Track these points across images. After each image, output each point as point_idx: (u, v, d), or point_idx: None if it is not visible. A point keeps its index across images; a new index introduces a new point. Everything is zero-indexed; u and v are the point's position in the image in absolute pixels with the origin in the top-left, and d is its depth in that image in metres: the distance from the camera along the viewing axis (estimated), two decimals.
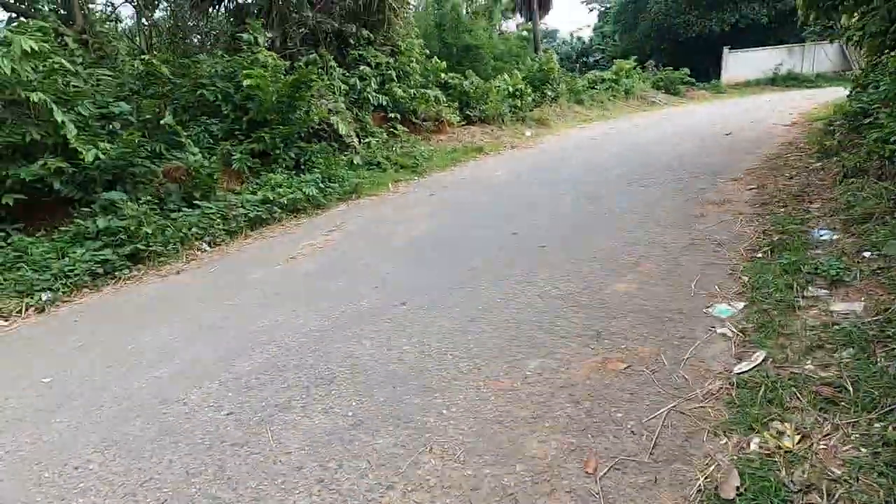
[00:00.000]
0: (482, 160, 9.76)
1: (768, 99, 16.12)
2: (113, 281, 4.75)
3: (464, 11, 26.71)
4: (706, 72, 25.79)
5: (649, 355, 2.30)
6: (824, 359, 2.02)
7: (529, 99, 15.04)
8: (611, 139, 10.41)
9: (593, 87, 20.43)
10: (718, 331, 2.43)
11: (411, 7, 11.44)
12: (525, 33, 32.69)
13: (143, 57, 7.73)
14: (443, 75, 12.27)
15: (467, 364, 2.44)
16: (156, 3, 10.96)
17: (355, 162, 8.47)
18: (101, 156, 5.43)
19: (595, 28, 40.44)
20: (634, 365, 2.24)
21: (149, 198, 5.80)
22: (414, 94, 10.91)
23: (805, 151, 6.10)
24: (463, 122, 12.57)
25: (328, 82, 9.20)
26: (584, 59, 38.66)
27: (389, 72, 10.71)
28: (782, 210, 4.03)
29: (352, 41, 10.20)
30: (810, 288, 2.63)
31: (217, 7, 10.59)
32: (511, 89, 14.78)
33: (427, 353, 2.60)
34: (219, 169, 6.72)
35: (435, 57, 12.18)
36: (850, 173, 4.11)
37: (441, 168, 9.21)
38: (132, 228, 5.23)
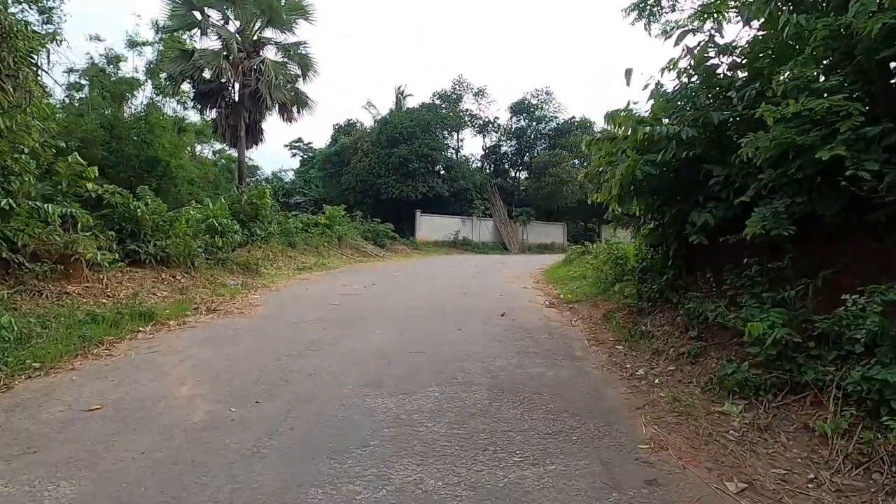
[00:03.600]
0: (153, 343, 5.21)
1: (475, 264, 16.83)
2: None
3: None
4: (403, 228, 27.37)
5: None
6: None
7: (236, 237, 11.15)
8: (356, 306, 7.57)
9: (307, 230, 18.03)
10: None
11: (39, 70, 6.53)
12: (223, 162, 29.05)
13: None
14: (90, 185, 7.31)
15: None
16: None
17: None
18: None
19: (298, 172, 40.14)
20: None
21: None
22: (14, 204, 5.71)
23: (652, 364, 4.54)
24: (124, 264, 7.62)
25: None
26: (286, 199, 37.18)
27: None
28: None
29: None
30: None
31: None
32: (215, 222, 10.67)
33: None
34: None
35: (75, 153, 7.14)
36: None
37: (53, 365, 4.25)
38: None
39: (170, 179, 20.58)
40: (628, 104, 5.47)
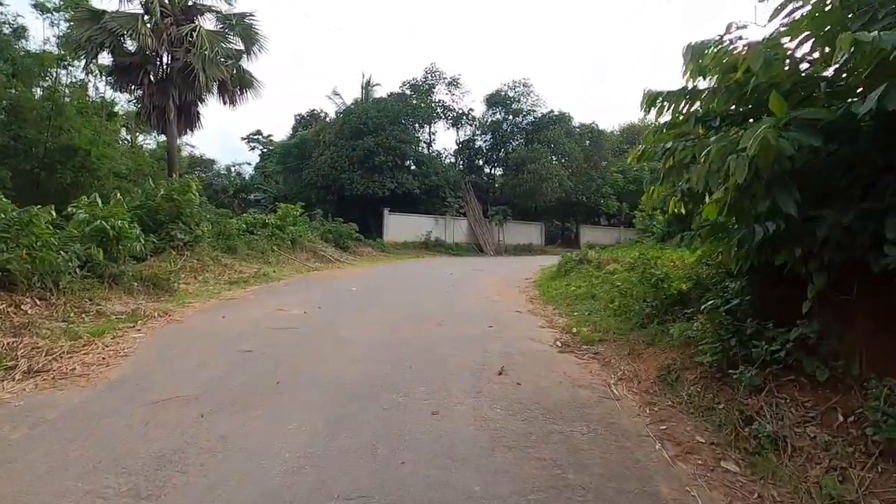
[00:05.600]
0: None
1: (450, 272, 14.36)
2: None
3: (66, 99, 18.08)
4: (369, 228, 24.73)
5: None
6: None
7: (135, 245, 8.34)
8: (277, 356, 5.01)
9: (252, 232, 15.19)
10: None
11: None
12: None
13: None
14: None
15: None
16: None
17: None
18: None
19: (257, 166, 36.78)
20: None
21: None
22: None
23: None
24: None
25: None
26: (244, 195, 33.90)
27: None
28: None
29: None
30: None
31: None
32: (105, 225, 7.85)
33: None
34: None
35: None
36: None
37: None
38: None
39: (90, 172, 17.31)
40: (730, 28, 3.12)
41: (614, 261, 10.02)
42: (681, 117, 3.74)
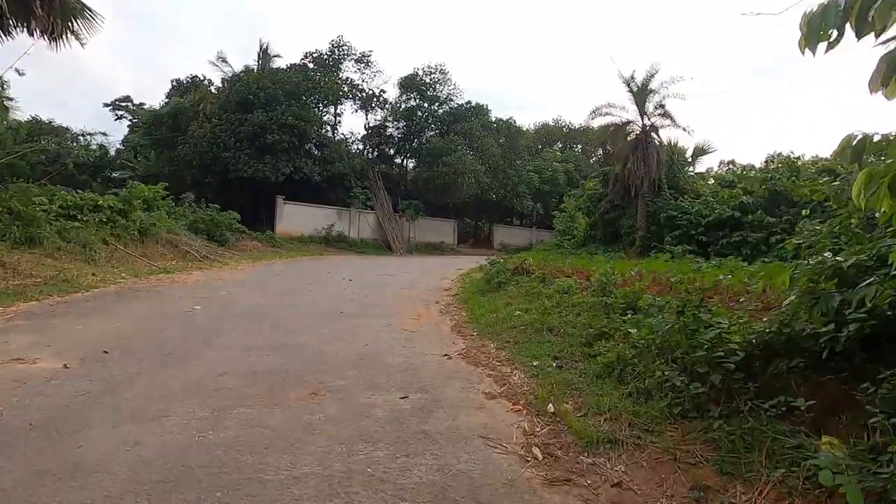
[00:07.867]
0: None
1: (349, 276, 11.25)
2: None
3: None
4: (259, 218, 20.66)
5: None
6: None
7: None
8: None
9: (74, 217, 10.86)
10: None
11: None
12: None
13: None
14: None
15: None
16: None
17: None
18: None
19: (126, 139, 30.09)
20: None
21: None
22: None
23: None
24: None
25: None
26: (108, 173, 27.45)
27: None
28: None
29: None
30: None
31: None
32: None
33: None
34: None
35: None
36: None
37: None
38: None
39: None
40: None
41: (560, 271, 7.80)
42: None
